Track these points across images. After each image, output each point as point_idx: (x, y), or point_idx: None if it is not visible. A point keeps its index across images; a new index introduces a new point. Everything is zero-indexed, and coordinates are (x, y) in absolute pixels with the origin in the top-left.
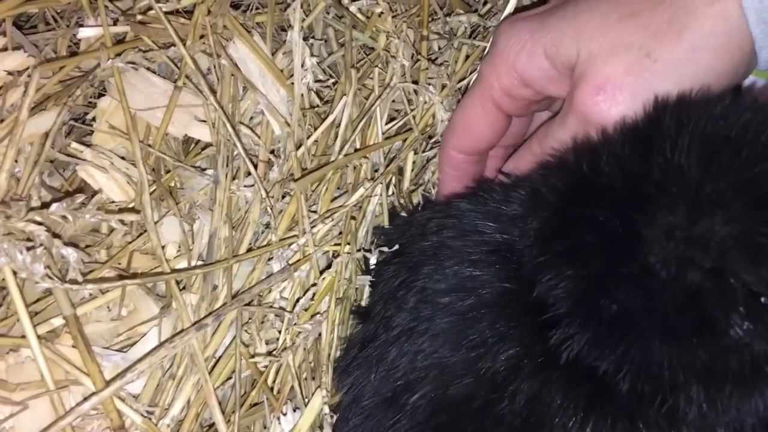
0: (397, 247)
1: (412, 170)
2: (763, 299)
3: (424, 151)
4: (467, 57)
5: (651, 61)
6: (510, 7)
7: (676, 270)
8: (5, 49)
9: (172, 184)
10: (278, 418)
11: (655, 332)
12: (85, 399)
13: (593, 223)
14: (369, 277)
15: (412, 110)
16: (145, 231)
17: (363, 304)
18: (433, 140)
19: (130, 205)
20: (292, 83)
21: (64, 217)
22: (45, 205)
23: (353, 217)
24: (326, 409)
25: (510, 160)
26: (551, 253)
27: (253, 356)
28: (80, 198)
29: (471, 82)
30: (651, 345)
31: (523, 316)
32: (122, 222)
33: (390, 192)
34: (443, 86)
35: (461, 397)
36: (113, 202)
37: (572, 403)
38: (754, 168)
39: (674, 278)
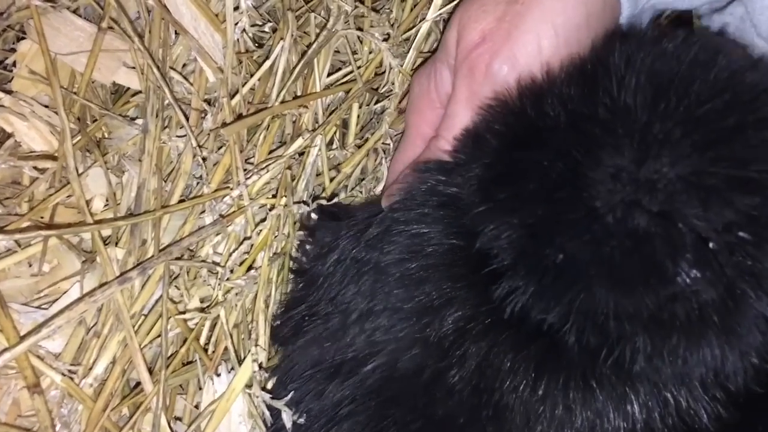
0: (336, 200)
1: (357, 124)
2: (711, 244)
3: (368, 104)
4: (414, 6)
5: (519, 5)
6: None
7: (622, 214)
8: None
9: (99, 134)
10: (212, 378)
11: (601, 280)
12: None
13: (536, 167)
14: (306, 233)
15: (356, 60)
16: (69, 183)
17: (304, 260)
18: (383, 90)
19: (54, 155)
20: (226, 27)
21: None
22: None
23: (290, 168)
24: (256, 367)
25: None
26: (493, 201)
27: (182, 312)
28: None
29: (417, 35)
30: (597, 294)
31: (470, 274)
32: (37, 169)
33: (334, 146)
34: (387, 36)
35: (411, 370)
36: (33, 152)
37: (522, 365)
38: (702, 107)
39: (620, 223)
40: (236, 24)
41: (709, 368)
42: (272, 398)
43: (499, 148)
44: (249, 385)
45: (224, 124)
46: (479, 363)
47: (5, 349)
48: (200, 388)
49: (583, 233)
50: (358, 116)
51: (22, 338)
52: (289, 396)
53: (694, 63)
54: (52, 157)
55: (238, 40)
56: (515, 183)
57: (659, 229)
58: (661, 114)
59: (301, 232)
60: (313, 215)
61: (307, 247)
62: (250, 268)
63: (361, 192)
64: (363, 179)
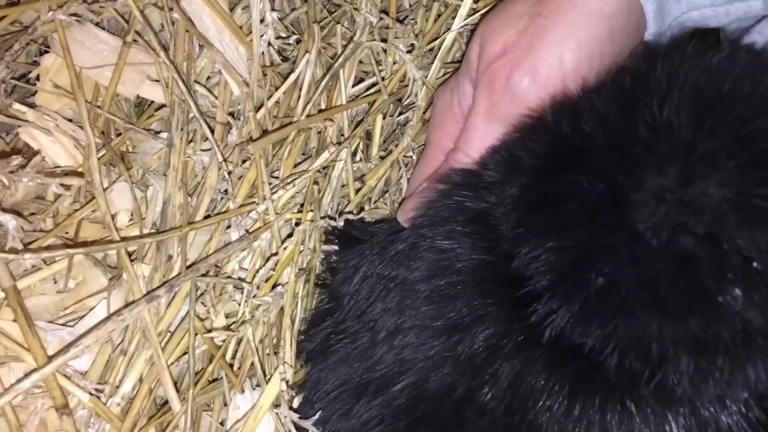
0: (363, 215)
1: (381, 135)
2: (755, 264)
3: (392, 115)
4: (438, 16)
5: (542, 18)
6: None
7: (667, 236)
8: None
9: (124, 149)
10: (238, 396)
11: (646, 304)
12: (26, 376)
13: (575, 188)
14: (335, 247)
15: (380, 71)
16: (94, 198)
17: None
18: (407, 102)
19: (78, 170)
20: (252, 40)
21: (1, 182)
22: None
23: (316, 182)
24: (284, 386)
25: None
26: (530, 223)
27: (209, 331)
28: (17, 159)
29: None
30: (641, 318)
31: (501, 290)
32: (64, 186)
33: (357, 158)
34: (411, 47)
35: (442, 389)
36: (59, 167)
37: (557, 385)
38: (748, 125)
39: (666, 246)
40: (262, 36)
41: (753, 391)
42: (300, 418)
43: (536, 168)
44: (277, 405)
45: (250, 139)
46: (512, 381)
47: (33, 370)
48: (225, 405)
49: (625, 257)
50: (382, 127)
51: (50, 358)
52: (317, 416)
53: (739, 79)
54: (78, 174)
55: (263, 53)
56: (553, 205)
57: (705, 251)
58: (705, 132)
59: (327, 247)
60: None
61: (333, 263)
62: (276, 284)
63: (385, 204)
64: (386, 191)
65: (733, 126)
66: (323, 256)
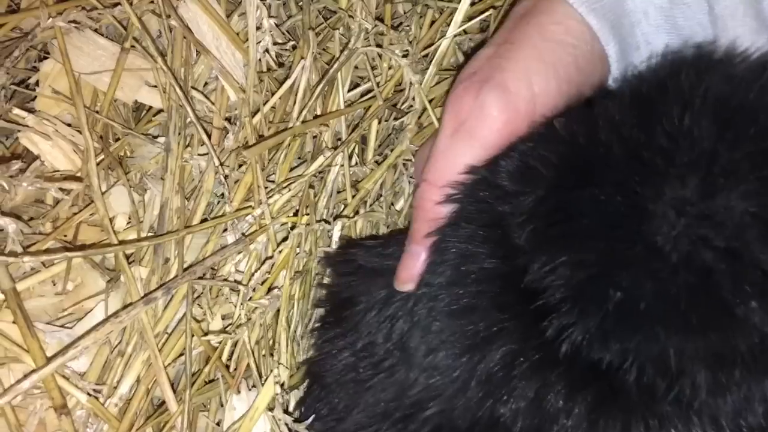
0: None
1: (376, 139)
2: None
3: (387, 120)
4: (432, 23)
5: (509, 44)
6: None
7: (687, 250)
8: None
9: (122, 153)
10: (234, 397)
11: (666, 320)
12: (25, 377)
13: (592, 200)
14: (330, 249)
15: (375, 77)
16: (93, 202)
17: (326, 281)
18: (404, 105)
19: (77, 175)
20: (248, 47)
21: (1, 187)
22: None
23: (312, 186)
24: (278, 389)
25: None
26: (546, 237)
27: (206, 334)
28: (17, 164)
29: (437, 52)
30: (659, 333)
31: (516, 304)
32: (63, 190)
33: (353, 162)
34: (406, 53)
35: (465, 416)
36: (57, 171)
37: (577, 406)
38: None
39: (685, 259)
40: (259, 43)
41: None
42: (294, 421)
43: (552, 180)
44: (271, 408)
45: (246, 146)
46: (530, 402)
47: (33, 371)
48: (221, 405)
49: (643, 270)
50: (377, 132)
51: (49, 359)
52: (311, 419)
53: (764, 89)
54: (76, 178)
55: (260, 59)
56: (569, 217)
57: (725, 265)
58: (728, 143)
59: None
60: (335, 234)
61: (340, 276)
62: (271, 287)
63: (380, 207)
64: (380, 195)
65: (756, 137)
66: (327, 269)
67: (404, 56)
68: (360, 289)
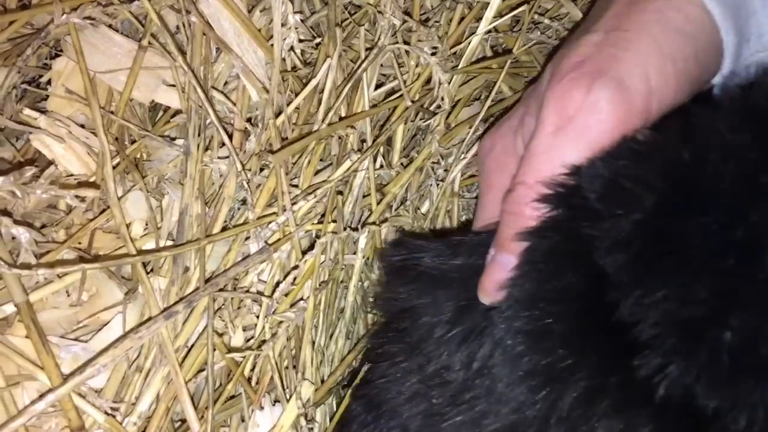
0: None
1: (402, 141)
2: None
3: (413, 120)
4: (462, 18)
5: (622, 31)
6: None
7: None
8: None
9: (138, 156)
10: (257, 413)
11: None
12: (41, 397)
13: (699, 229)
14: (358, 257)
15: (403, 75)
16: (108, 208)
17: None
18: (434, 106)
19: (91, 179)
20: (272, 44)
21: (12, 193)
22: None
23: (339, 192)
24: (301, 407)
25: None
26: (645, 267)
27: (229, 351)
28: (30, 171)
29: (468, 50)
30: None
31: (599, 333)
32: (79, 198)
33: (378, 165)
34: (434, 50)
35: None
36: (71, 175)
37: None
38: None
39: None
40: (284, 40)
41: None
42: None
43: (653, 204)
44: (297, 427)
45: (270, 150)
46: None
47: (48, 390)
48: (243, 420)
49: (759, 308)
50: (403, 133)
51: (66, 379)
52: None
53: None
54: (92, 185)
55: (284, 58)
56: (673, 246)
57: None
58: None
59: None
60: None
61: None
62: (296, 299)
63: (407, 211)
64: (405, 199)
65: None
66: (344, 267)
67: (433, 54)
68: (423, 300)
